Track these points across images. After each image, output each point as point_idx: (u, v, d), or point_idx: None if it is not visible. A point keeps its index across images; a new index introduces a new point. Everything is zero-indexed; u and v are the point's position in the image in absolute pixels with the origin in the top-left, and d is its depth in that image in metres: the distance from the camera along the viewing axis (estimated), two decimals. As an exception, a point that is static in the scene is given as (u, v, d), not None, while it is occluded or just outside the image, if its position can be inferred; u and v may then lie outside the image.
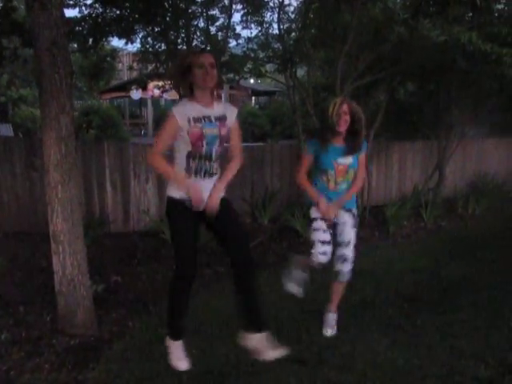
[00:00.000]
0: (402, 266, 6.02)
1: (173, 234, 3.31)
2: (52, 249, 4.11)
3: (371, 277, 5.55)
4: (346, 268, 4.11)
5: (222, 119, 3.27)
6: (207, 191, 3.23)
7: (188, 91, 3.23)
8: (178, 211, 3.23)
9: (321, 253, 3.99)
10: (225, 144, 3.33)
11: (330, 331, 4.20)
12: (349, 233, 4.14)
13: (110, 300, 4.95)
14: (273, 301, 4.84)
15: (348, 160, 4.04)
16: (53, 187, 3.96)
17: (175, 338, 3.34)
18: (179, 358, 3.31)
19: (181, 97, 8.80)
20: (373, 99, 9.60)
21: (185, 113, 3.15)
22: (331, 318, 4.26)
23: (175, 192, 3.23)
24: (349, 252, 4.11)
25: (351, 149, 4.03)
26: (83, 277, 4.19)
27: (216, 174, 3.32)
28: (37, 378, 3.54)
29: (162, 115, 30.42)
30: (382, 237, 7.68)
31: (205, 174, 3.25)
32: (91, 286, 4.44)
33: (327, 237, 4.06)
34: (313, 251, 4.02)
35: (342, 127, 3.94)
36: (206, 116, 3.19)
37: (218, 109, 3.28)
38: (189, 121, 3.13)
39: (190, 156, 3.21)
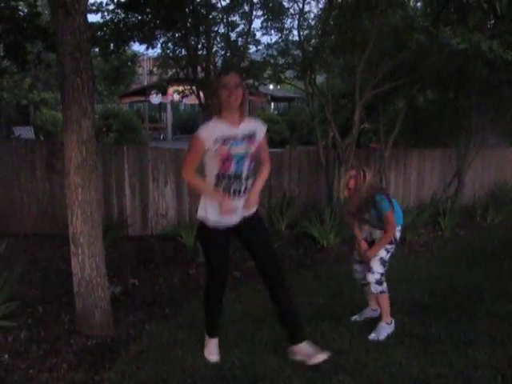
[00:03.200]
0: (418, 274, 5.98)
1: (205, 253, 3.59)
2: (71, 251, 4.16)
3: (387, 284, 5.52)
4: (369, 278, 4.25)
5: (250, 137, 3.35)
6: (239, 209, 3.38)
7: (217, 111, 3.30)
8: (211, 236, 3.45)
9: (352, 269, 4.57)
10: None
11: (372, 335, 4.23)
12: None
13: (127, 302, 4.99)
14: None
15: (366, 233, 4.43)
16: (73, 190, 4.01)
17: (211, 335, 3.79)
18: (211, 352, 3.76)
19: (201, 104, 8.86)
20: (392, 106, 9.59)
21: (211, 134, 3.24)
22: (380, 327, 4.28)
23: (211, 215, 3.39)
24: (373, 263, 4.24)
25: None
26: (101, 279, 4.23)
27: (249, 190, 3.44)
28: (54, 376, 3.58)
29: (181, 120, 30.70)
30: (398, 244, 7.64)
31: (234, 192, 3.35)
32: (109, 288, 4.49)
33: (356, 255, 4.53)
34: None
35: (347, 193, 4.24)
36: (232, 136, 3.27)
37: (246, 127, 3.36)
38: (215, 141, 3.22)
39: (219, 175, 3.32)
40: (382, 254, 4.23)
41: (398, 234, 4.34)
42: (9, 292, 4.38)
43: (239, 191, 3.37)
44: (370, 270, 4.24)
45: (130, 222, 7.41)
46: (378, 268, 4.23)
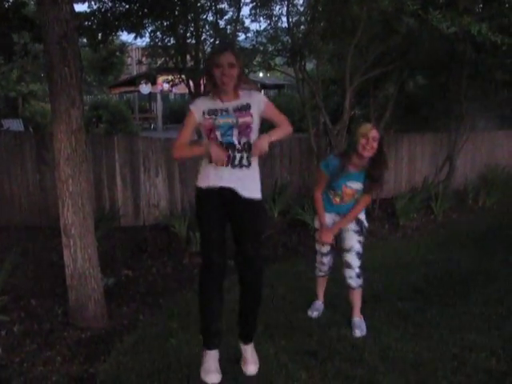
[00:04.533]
0: (412, 259, 6.00)
1: (199, 223, 3.24)
2: (63, 242, 4.13)
3: (381, 270, 5.54)
4: (349, 274, 4.11)
5: (243, 109, 3.18)
6: (234, 180, 3.15)
7: (212, 88, 3.19)
8: (205, 201, 3.18)
9: (318, 262, 4.36)
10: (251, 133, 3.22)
11: (357, 332, 4.08)
12: (350, 239, 4.11)
13: (120, 293, 4.97)
14: (282, 294, 4.85)
15: (357, 185, 4.03)
16: (63, 181, 3.98)
17: (207, 345, 3.20)
18: (209, 370, 3.12)
19: (191, 93, 8.79)
20: (382, 92, 9.57)
21: (200, 106, 3.19)
22: (356, 322, 4.13)
23: (202, 182, 3.19)
24: (350, 259, 4.10)
25: (372, 178, 3.99)
26: (94, 270, 4.21)
27: (246, 165, 3.20)
28: (49, 370, 3.57)
29: (171, 109, 30.56)
30: (391, 229, 7.66)
31: (229, 158, 3.12)
32: (102, 279, 4.47)
33: (325, 248, 4.25)
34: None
35: (368, 153, 3.87)
36: (223, 109, 3.14)
37: (240, 100, 3.20)
38: (203, 113, 3.15)
39: None
40: (357, 246, 4.09)
41: (365, 222, 4.20)
42: (1, 285, 4.35)
43: (234, 159, 3.14)
44: (348, 266, 4.10)
45: (122, 212, 7.37)
46: (356, 262, 4.09)
